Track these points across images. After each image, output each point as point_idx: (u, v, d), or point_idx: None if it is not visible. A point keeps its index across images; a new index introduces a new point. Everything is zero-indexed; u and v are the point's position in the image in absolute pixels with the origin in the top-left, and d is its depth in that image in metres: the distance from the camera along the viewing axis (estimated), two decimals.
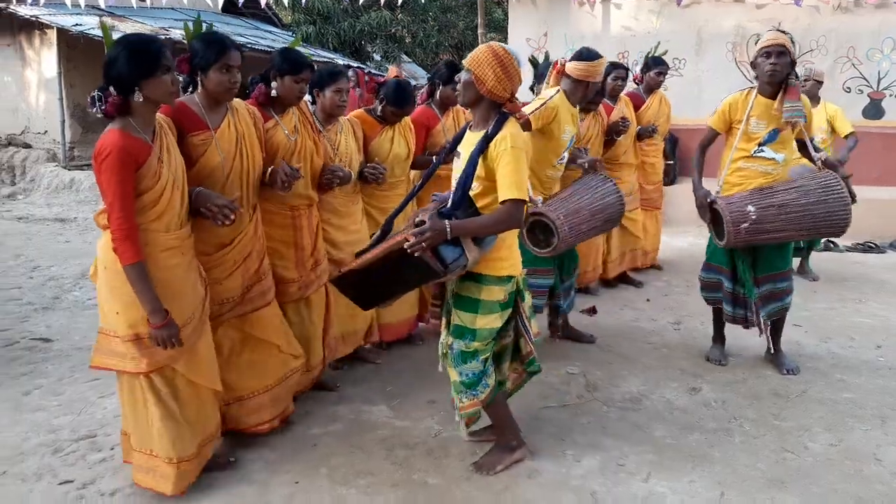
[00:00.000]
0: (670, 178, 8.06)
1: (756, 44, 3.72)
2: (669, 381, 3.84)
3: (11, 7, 10.51)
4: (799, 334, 4.60)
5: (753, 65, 3.73)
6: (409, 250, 2.50)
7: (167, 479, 2.67)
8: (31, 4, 10.58)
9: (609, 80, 5.20)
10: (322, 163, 3.40)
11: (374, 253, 2.71)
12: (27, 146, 11.45)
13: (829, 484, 2.85)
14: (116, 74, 2.41)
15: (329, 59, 13.06)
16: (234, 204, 2.70)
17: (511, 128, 2.63)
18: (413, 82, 5.92)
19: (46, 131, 11.34)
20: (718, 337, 4.23)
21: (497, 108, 2.69)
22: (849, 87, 7.98)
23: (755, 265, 3.93)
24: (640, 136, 5.55)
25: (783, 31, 3.63)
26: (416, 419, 3.36)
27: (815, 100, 5.88)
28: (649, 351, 4.29)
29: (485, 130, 2.67)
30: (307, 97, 3.45)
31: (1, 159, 11.22)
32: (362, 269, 2.75)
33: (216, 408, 2.90)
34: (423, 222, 2.53)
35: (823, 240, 7.18)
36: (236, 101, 2.95)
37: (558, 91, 3.80)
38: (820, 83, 5.86)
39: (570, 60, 3.79)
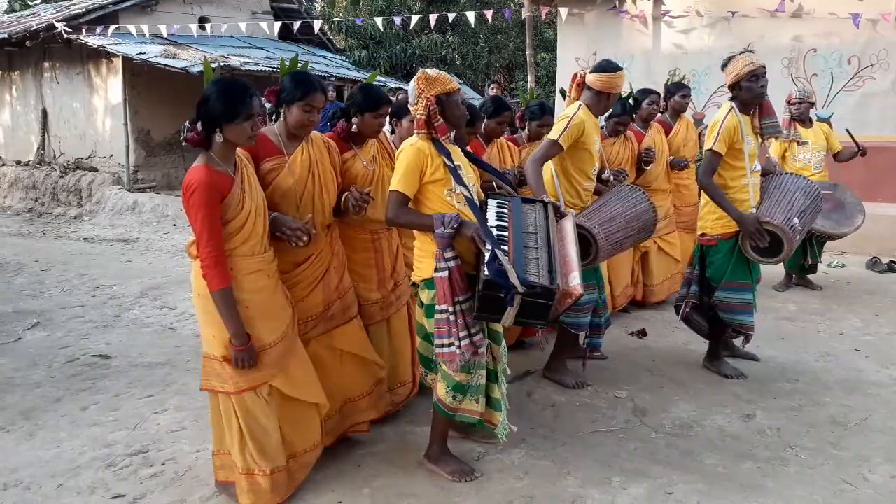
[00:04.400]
0: None
1: (728, 67, 3.87)
2: (722, 407, 3.73)
3: (81, 38, 11.03)
4: (860, 360, 4.42)
5: (736, 87, 3.86)
6: None
7: (262, 492, 2.79)
8: (99, 35, 11.09)
9: (644, 104, 5.33)
10: None
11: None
12: (94, 170, 11.95)
13: None
14: (204, 112, 2.58)
15: (381, 82, 13.28)
16: (307, 226, 2.83)
17: None
18: None
19: (112, 155, 11.81)
20: (721, 353, 4.25)
21: None
22: None
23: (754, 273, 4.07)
24: (672, 167, 5.56)
25: (751, 52, 3.91)
26: (459, 441, 3.33)
27: (808, 121, 5.91)
28: (701, 375, 4.17)
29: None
30: (387, 126, 3.59)
31: (69, 182, 11.75)
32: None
33: (316, 424, 3.00)
34: None
35: (887, 261, 6.91)
36: (313, 132, 3.11)
37: (580, 105, 3.83)
38: (812, 104, 5.94)
39: (590, 72, 3.83)
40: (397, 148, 3.62)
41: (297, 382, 2.88)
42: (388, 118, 3.53)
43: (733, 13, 8.19)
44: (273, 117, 3.08)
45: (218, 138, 2.59)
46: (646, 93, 5.39)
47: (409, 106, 3.00)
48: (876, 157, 7.57)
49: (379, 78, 13.63)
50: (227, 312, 2.60)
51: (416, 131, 2.93)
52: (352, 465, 3.15)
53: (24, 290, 6.38)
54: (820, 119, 7.67)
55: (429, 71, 2.94)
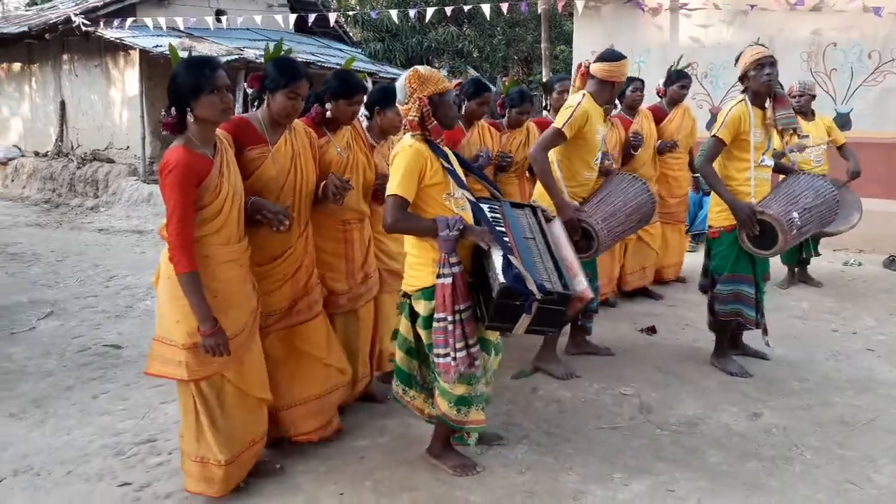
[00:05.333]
0: None
1: (739, 60, 3.90)
2: (729, 405, 3.70)
3: (99, 30, 11.14)
4: (871, 359, 4.36)
5: (744, 78, 3.89)
6: None
7: (215, 481, 2.78)
8: (117, 28, 11.19)
9: (627, 92, 5.37)
10: (373, 177, 3.48)
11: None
12: (110, 161, 12.08)
13: None
14: (173, 94, 2.56)
15: (396, 75, 13.27)
16: (287, 210, 2.82)
17: None
18: None
19: (128, 147, 11.94)
20: (733, 348, 4.29)
21: None
22: None
23: (760, 268, 4.06)
24: (660, 151, 5.58)
25: (763, 45, 3.94)
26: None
27: (809, 114, 5.85)
28: (709, 373, 4.14)
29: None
30: (364, 112, 3.55)
31: (86, 173, 11.88)
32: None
33: (263, 415, 2.97)
34: None
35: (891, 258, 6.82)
36: (295, 121, 3.07)
37: (584, 95, 3.84)
38: (813, 97, 5.87)
39: (594, 62, 3.84)
40: (373, 136, 3.62)
41: (250, 376, 2.83)
42: (364, 106, 3.50)
43: (752, 6, 8.07)
44: (256, 104, 3.04)
45: (191, 119, 2.56)
46: (629, 80, 5.38)
47: (397, 104, 2.92)
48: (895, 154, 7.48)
49: (394, 71, 13.64)
50: (195, 297, 2.54)
51: (409, 133, 2.84)
52: (355, 457, 3.17)
53: (40, 280, 6.47)
54: (839, 115, 7.60)
55: (421, 69, 2.84)
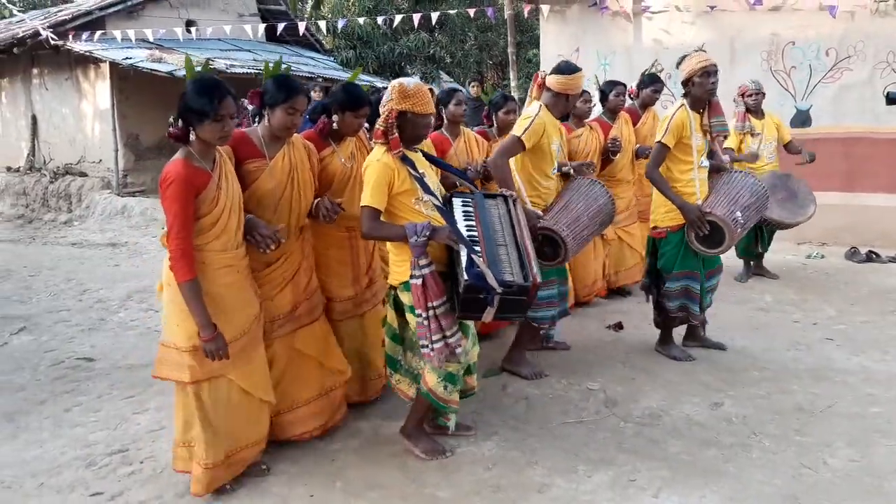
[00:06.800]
0: None
1: (682, 65, 4.03)
2: (691, 396, 3.81)
3: (68, 44, 11.07)
4: (830, 348, 4.50)
5: (688, 83, 4.01)
6: None
7: (197, 479, 2.87)
8: (86, 41, 11.13)
9: (611, 96, 5.47)
10: None
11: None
12: (83, 175, 12.00)
13: (845, 500, 2.80)
14: (181, 110, 2.67)
15: (369, 82, 13.32)
16: (277, 235, 2.91)
17: None
18: None
19: (101, 160, 11.86)
20: (693, 341, 4.46)
21: None
22: (889, 93, 7.74)
23: (704, 264, 4.16)
24: (638, 156, 5.67)
25: (705, 52, 4.06)
26: (435, 437, 3.40)
27: (759, 112, 6.04)
28: (673, 365, 4.25)
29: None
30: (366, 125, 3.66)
31: (59, 188, 11.80)
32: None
33: (264, 417, 3.07)
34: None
35: (865, 250, 6.99)
36: (294, 136, 3.19)
37: (540, 106, 3.91)
38: (764, 95, 6.07)
39: (549, 74, 3.91)
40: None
41: (254, 377, 2.95)
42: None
43: (712, 7, 8.24)
44: (256, 119, 3.16)
45: (192, 136, 2.69)
46: (612, 84, 5.52)
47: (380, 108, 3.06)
48: (854, 148, 7.67)
49: (366, 78, 13.69)
50: (195, 303, 2.67)
51: (378, 143, 3.00)
52: (327, 459, 3.23)
53: (12, 296, 6.44)
54: (799, 112, 7.79)
55: (409, 85, 2.96)
